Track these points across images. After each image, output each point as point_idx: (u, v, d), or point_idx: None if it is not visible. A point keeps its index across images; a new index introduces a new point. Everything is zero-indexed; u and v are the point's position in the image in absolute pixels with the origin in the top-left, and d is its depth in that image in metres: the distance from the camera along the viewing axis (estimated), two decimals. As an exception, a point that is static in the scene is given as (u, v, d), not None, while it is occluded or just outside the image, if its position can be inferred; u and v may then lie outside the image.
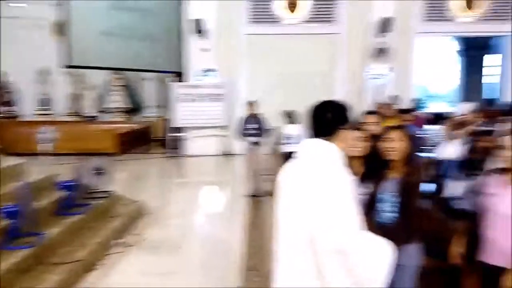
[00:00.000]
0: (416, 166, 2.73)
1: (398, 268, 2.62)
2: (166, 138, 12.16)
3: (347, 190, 1.79)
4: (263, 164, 7.45)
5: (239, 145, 9.38)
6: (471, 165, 3.79)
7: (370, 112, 3.57)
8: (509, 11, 11.73)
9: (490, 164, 3.24)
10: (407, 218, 2.62)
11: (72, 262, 4.03)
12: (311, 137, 1.99)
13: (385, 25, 11.28)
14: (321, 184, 1.78)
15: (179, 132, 11.80)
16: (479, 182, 2.87)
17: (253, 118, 7.41)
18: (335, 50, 12.00)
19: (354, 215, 1.77)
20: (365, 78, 11.83)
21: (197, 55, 11.75)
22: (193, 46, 11.75)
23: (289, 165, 1.98)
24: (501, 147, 2.66)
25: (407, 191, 2.61)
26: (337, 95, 11.47)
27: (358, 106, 8.76)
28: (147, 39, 12.58)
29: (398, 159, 2.68)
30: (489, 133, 3.89)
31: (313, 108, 2.02)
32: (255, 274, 4.17)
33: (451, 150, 4.64)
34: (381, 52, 11.48)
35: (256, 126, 7.31)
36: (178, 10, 12.31)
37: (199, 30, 11.44)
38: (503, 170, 2.67)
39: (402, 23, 11.61)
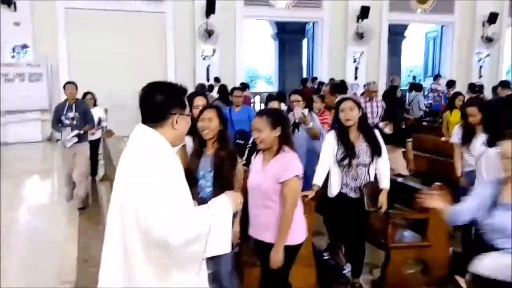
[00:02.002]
0: (227, 141, 2.95)
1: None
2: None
3: (165, 181, 1.68)
4: (85, 160, 6.24)
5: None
6: None
7: (196, 94, 3.64)
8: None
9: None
10: (222, 192, 2.79)
11: None
12: (142, 122, 1.83)
13: (209, 7, 11.44)
14: (137, 175, 1.67)
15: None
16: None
17: (72, 104, 6.01)
18: (163, 29, 11.70)
19: (171, 205, 1.66)
20: (196, 59, 11.94)
21: (7, 29, 10.29)
22: (2, 19, 10.29)
23: (123, 152, 1.85)
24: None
25: (220, 165, 2.81)
26: (169, 76, 11.37)
27: (191, 88, 8.85)
28: None
29: (211, 137, 2.87)
30: None
31: (142, 91, 1.83)
32: (90, 264, 3.97)
33: None
34: (208, 34, 11.71)
35: (75, 114, 5.96)
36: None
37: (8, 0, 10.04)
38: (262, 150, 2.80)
39: (227, 6, 11.91)
